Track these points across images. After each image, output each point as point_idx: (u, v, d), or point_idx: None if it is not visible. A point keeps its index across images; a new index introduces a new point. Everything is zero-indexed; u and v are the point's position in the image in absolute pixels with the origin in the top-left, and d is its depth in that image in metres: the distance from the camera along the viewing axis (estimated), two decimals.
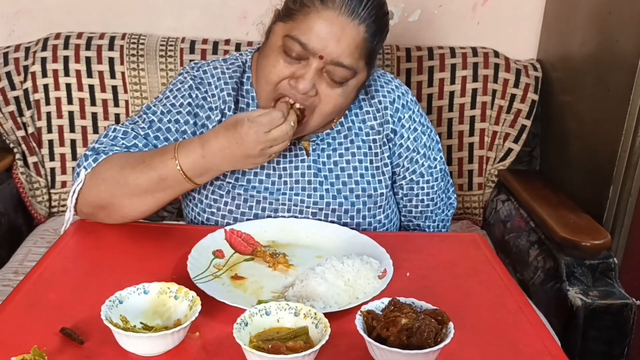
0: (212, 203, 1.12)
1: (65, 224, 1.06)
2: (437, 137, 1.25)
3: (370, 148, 1.16)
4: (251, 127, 0.94)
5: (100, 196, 1.02)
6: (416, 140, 1.18)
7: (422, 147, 1.19)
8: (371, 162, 1.16)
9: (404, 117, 1.17)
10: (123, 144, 1.07)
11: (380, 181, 1.16)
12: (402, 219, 1.25)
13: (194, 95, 1.12)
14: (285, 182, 1.12)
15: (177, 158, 0.98)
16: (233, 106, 1.12)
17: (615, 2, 1.46)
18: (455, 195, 1.30)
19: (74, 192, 1.04)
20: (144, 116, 1.12)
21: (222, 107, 1.12)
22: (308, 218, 1.12)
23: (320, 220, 1.12)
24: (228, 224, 1.10)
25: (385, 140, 1.16)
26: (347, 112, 1.16)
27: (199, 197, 1.14)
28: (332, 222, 1.12)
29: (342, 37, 0.97)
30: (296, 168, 1.13)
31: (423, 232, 1.25)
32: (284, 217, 1.12)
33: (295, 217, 1.12)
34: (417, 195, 1.21)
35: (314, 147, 1.14)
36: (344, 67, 0.99)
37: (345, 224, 1.12)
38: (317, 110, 1.04)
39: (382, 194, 1.15)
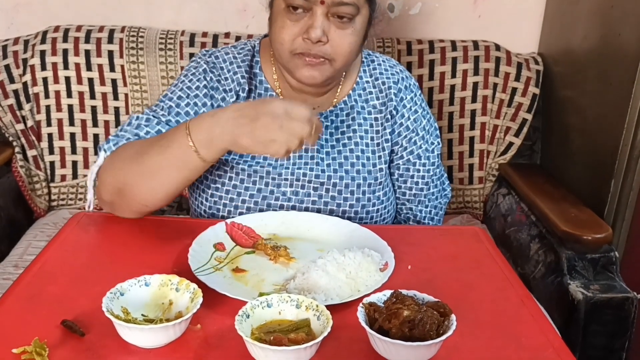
0: (216, 179, 1.15)
1: (88, 204, 1.08)
2: (437, 125, 1.29)
3: (371, 126, 1.20)
4: (275, 98, 0.98)
5: (117, 177, 1.02)
6: (416, 122, 1.22)
7: (421, 129, 1.23)
8: (372, 139, 1.20)
9: (406, 98, 1.22)
10: (147, 131, 1.09)
11: (380, 157, 1.19)
12: (397, 202, 1.27)
13: (208, 78, 1.15)
14: (289, 157, 1.15)
15: (188, 126, 0.97)
16: (246, 87, 1.16)
17: None
18: (450, 188, 1.32)
19: (92, 172, 1.06)
20: (162, 104, 1.14)
21: (237, 89, 1.16)
22: (310, 193, 1.15)
23: (322, 195, 1.15)
24: (232, 199, 1.13)
25: (388, 116, 1.20)
26: (350, 91, 1.20)
27: (204, 173, 1.16)
28: (332, 196, 1.15)
29: None
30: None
31: (415, 217, 1.26)
32: (286, 191, 1.14)
33: (297, 191, 1.15)
34: (412, 176, 1.24)
35: None
36: (345, 4, 1.03)
37: (345, 199, 1.16)
38: (335, 56, 1.06)
39: (381, 169, 1.19)
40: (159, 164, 0.99)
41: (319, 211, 1.15)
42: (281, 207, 1.14)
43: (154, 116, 1.12)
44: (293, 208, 1.15)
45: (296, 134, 0.91)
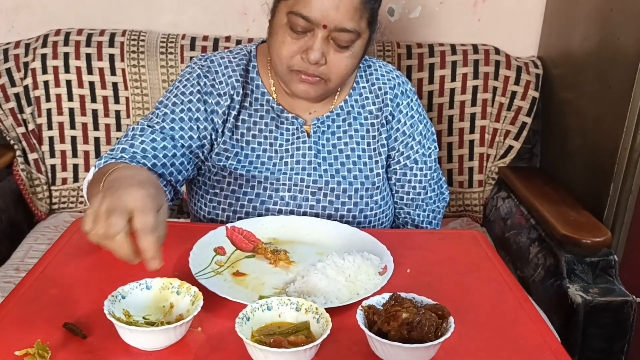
0: (215, 184, 1.15)
1: None
2: (433, 129, 1.29)
3: (368, 131, 1.20)
4: (139, 189, 0.76)
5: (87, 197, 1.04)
6: (412, 127, 1.22)
7: (418, 134, 1.23)
8: (368, 144, 1.20)
9: (402, 103, 1.22)
10: (142, 140, 1.10)
11: (376, 162, 1.20)
12: (395, 206, 1.27)
13: (202, 84, 1.15)
14: (286, 163, 1.16)
15: (107, 175, 0.87)
16: (241, 91, 1.17)
17: None
18: (448, 192, 1.33)
19: (84, 187, 1.08)
20: (157, 111, 1.15)
21: (231, 92, 1.16)
22: (308, 198, 1.16)
23: (319, 199, 1.16)
24: (230, 204, 1.14)
25: (383, 122, 1.21)
26: (347, 97, 1.20)
27: (202, 179, 1.17)
28: (330, 201, 1.16)
29: (340, 4, 1.02)
30: (297, 149, 1.17)
31: (414, 222, 1.27)
32: (284, 196, 1.14)
33: (295, 196, 1.15)
34: (409, 181, 1.24)
35: (314, 129, 1.18)
36: (347, 31, 1.04)
37: (343, 204, 1.16)
38: (330, 76, 1.08)
39: (378, 174, 1.19)
40: (91, 194, 0.96)
41: (317, 216, 1.15)
42: (279, 212, 1.15)
43: (148, 125, 1.12)
44: (291, 213, 1.15)
45: (106, 234, 0.73)
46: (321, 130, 1.18)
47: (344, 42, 1.05)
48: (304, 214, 1.15)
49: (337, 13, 1.02)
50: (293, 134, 1.17)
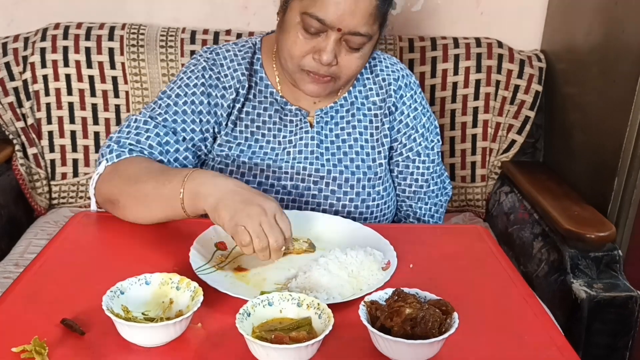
0: (217, 172, 1.13)
1: (92, 207, 1.10)
2: (437, 123, 1.29)
3: (371, 122, 1.21)
4: (272, 201, 0.90)
5: (112, 191, 1.03)
6: (415, 119, 1.22)
7: (421, 127, 1.23)
8: (371, 135, 1.21)
9: (406, 95, 1.22)
10: (148, 135, 1.09)
11: (379, 152, 1.20)
12: (397, 199, 1.27)
13: (207, 76, 1.15)
14: (289, 153, 1.16)
15: (188, 174, 0.95)
16: (246, 85, 1.17)
17: None
18: (451, 186, 1.33)
19: (93, 180, 1.07)
20: (160, 102, 1.15)
21: (237, 86, 1.16)
22: (309, 187, 1.16)
23: (322, 188, 1.16)
24: None
25: (387, 113, 1.21)
26: (351, 88, 1.21)
27: (206, 168, 1.17)
28: (332, 190, 1.16)
29: (356, 9, 1.01)
30: (300, 139, 1.17)
31: (415, 215, 1.26)
32: (286, 185, 1.15)
33: (297, 185, 1.15)
34: (411, 173, 1.24)
35: (317, 119, 1.18)
36: (361, 35, 1.04)
37: (345, 193, 1.16)
38: (340, 75, 1.09)
39: (380, 164, 1.20)
40: (149, 197, 0.98)
41: (319, 205, 1.16)
42: (281, 201, 1.14)
43: (150, 117, 1.12)
44: (293, 202, 1.15)
45: (269, 239, 0.86)
46: (324, 121, 1.18)
47: (356, 45, 1.05)
48: (306, 202, 1.15)
49: (352, 18, 1.01)
50: (297, 125, 1.17)
